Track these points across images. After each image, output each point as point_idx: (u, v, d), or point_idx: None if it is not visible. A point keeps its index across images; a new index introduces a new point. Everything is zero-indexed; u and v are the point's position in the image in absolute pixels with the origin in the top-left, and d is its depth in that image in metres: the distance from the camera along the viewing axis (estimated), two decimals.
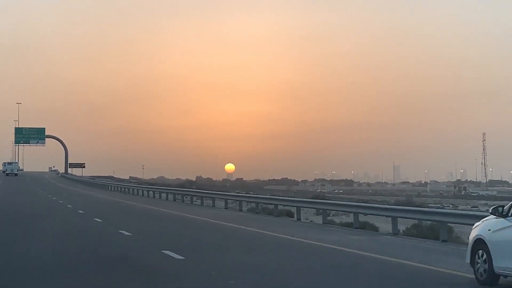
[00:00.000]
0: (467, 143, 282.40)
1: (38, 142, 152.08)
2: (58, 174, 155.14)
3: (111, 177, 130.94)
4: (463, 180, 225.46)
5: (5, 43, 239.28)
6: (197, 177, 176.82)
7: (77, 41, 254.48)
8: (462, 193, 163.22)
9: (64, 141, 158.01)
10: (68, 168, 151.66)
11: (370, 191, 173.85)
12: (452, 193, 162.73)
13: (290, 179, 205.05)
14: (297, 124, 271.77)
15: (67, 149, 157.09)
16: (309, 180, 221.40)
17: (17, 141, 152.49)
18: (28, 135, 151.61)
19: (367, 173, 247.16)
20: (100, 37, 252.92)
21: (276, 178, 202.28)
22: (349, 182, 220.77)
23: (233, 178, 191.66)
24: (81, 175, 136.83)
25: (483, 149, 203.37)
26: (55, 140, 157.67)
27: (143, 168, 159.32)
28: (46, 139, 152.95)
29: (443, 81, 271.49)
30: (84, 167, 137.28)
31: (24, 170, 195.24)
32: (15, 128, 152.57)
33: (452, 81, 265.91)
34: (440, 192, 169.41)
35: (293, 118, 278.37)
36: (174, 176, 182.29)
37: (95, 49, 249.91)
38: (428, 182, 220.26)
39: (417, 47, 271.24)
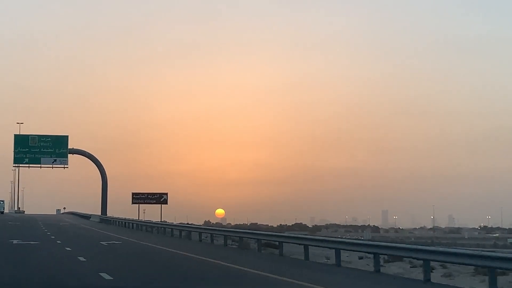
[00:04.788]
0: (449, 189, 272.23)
1: (55, 161, 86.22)
2: (89, 218, 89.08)
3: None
4: (493, 226, 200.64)
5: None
6: (205, 221, 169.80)
7: (74, 90, 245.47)
8: None
9: (100, 160, 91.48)
10: (108, 206, 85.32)
11: (413, 239, 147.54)
12: None
13: (304, 224, 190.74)
14: (283, 171, 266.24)
15: (106, 175, 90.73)
16: (317, 225, 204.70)
17: (18, 160, 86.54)
18: (38, 149, 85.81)
19: (355, 218, 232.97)
20: (92, 86, 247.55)
21: (288, 224, 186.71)
22: (375, 229, 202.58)
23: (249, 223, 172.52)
24: (141, 218, 69.61)
25: None
26: (82, 158, 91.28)
27: (144, 213, 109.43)
28: (70, 155, 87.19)
29: (429, 128, 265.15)
30: (166, 202, 70.65)
31: (26, 212, 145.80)
32: (15, 136, 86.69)
33: (438, 128, 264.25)
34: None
35: (278, 164, 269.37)
36: (176, 220, 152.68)
37: (89, 97, 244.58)
38: (462, 228, 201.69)
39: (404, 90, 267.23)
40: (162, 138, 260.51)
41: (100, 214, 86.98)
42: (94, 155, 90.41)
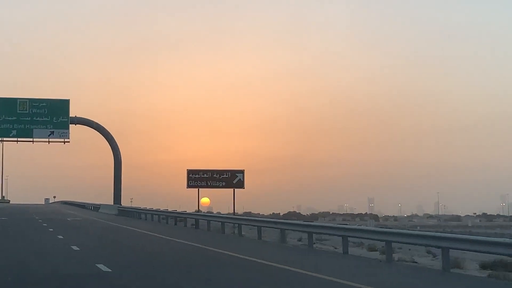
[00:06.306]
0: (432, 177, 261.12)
1: (52, 134, 64.68)
2: (97, 208, 68.18)
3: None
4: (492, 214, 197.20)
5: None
6: (196, 210, 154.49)
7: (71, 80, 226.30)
8: None
9: (112, 133, 69.86)
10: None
11: (418, 227, 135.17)
12: None
13: (298, 213, 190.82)
14: (269, 160, 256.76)
15: (119, 153, 69.15)
16: (314, 213, 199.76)
17: (3, 132, 64.98)
18: (29, 117, 64.30)
19: (341, 206, 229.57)
20: (81, 75, 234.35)
21: (281, 212, 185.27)
22: (375, 217, 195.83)
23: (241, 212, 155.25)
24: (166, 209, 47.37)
25: None
26: (89, 130, 69.71)
27: (131, 202, 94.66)
28: (72, 126, 65.68)
29: (416, 116, 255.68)
30: (242, 185, 45.40)
31: (11, 202, 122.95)
32: None
33: (427, 116, 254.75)
34: None
35: (265, 154, 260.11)
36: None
37: (78, 87, 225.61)
38: (459, 216, 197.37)
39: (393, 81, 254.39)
40: (147, 128, 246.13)
41: (113, 203, 65.64)
42: (104, 127, 68.72)
